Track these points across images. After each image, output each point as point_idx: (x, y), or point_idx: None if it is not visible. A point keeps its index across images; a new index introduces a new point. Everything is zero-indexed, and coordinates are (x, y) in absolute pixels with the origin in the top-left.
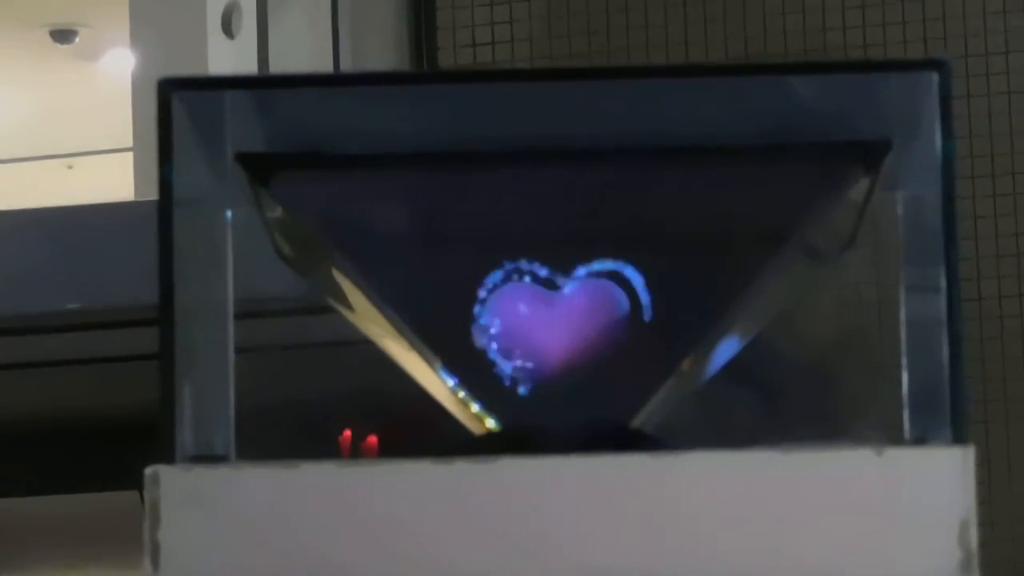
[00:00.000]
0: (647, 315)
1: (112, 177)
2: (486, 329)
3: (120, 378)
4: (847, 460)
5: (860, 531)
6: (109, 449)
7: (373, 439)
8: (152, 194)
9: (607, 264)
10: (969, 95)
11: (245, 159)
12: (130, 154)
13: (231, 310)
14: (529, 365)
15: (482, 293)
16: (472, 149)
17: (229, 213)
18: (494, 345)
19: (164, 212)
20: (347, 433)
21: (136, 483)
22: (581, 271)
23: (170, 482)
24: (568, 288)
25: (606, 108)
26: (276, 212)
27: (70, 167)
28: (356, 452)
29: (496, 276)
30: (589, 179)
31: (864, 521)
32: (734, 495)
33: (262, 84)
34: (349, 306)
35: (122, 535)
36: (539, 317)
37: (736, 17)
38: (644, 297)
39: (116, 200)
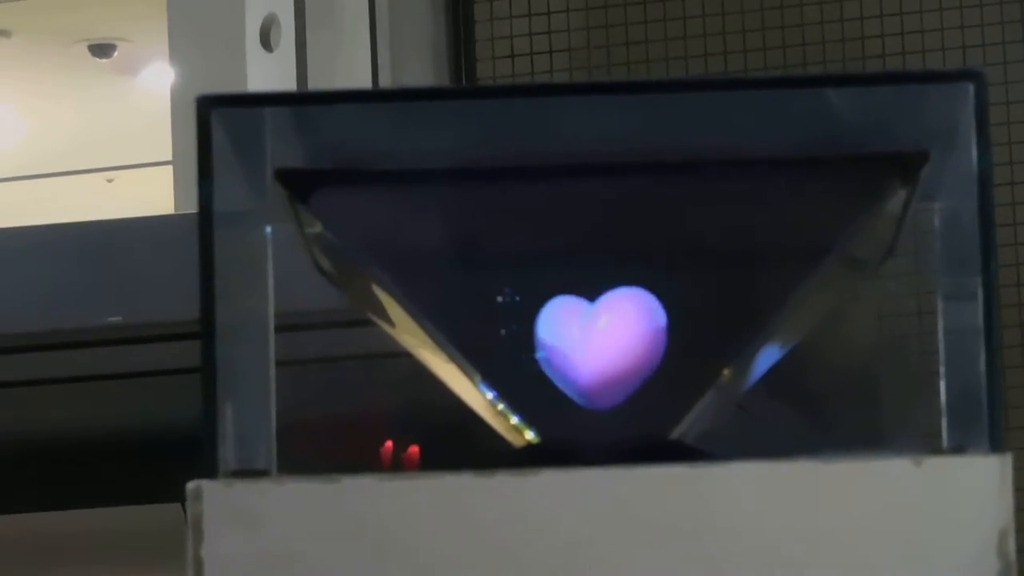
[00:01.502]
0: (687, 326)
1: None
2: (525, 341)
3: (161, 392)
4: (886, 470)
5: (899, 541)
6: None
7: (415, 450)
8: (192, 207)
9: (647, 276)
10: (1008, 101)
11: (284, 175)
12: (170, 168)
13: (272, 324)
14: (568, 377)
15: (521, 306)
16: (510, 163)
17: (269, 229)
18: (533, 357)
19: (204, 228)
20: (388, 445)
21: (178, 496)
22: (621, 283)
23: (212, 497)
24: (608, 300)
25: (644, 121)
26: (315, 227)
27: (110, 181)
28: (397, 464)
29: (535, 289)
30: (628, 192)
31: (903, 531)
32: (773, 505)
33: (301, 101)
34: (388, 320)
35: (165, 548)
36: (578, 329)
37: (775, 27)
38: (684, 308)
39: (156, 214)
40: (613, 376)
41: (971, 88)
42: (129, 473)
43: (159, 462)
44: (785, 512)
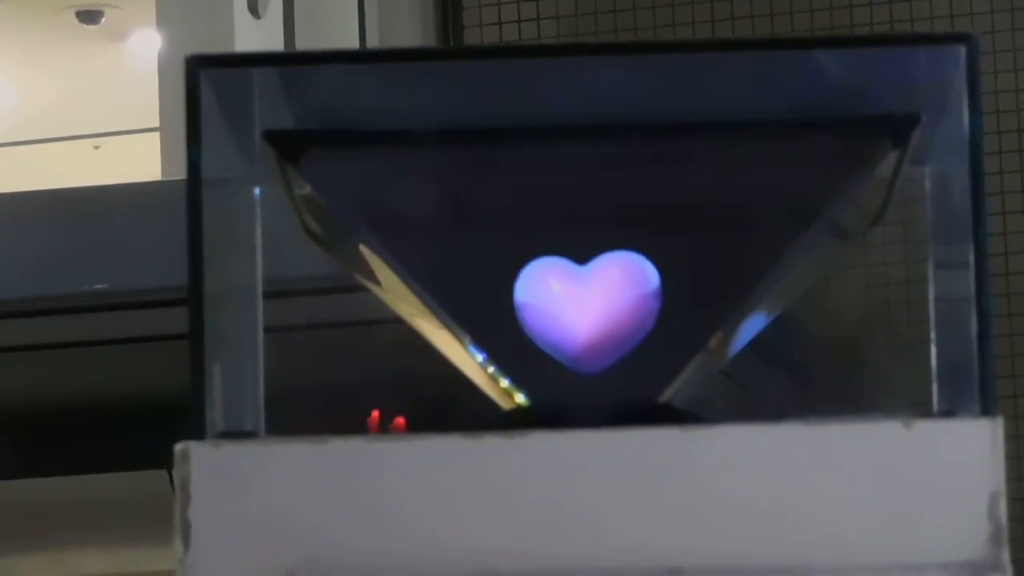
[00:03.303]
0: (675, 291)
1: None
2: (515, 304)
3: (147, 358)
4: (876, 433)
5: (889, 503)
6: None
7: (401, 421)
8: (179, 174)
9: (636, 240)
10: (996, 71)
11: (273, 137)
12: (157, 134)
13: (260, 288)
14: (559, 340)
15: (511, 268)
16: (499, 125)
17: (257, 191)
18: (523, 320)
19: (193, 191)
20: (375, 415)
21: (165, 463)
22: (610, 247)
23: (200, 459)
24: (597, 264)
25: (632, 84)
26: (304, 190)
27: (97, 148)
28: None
29: (525, 251)
30: (616, 155)
31: (893, 493)
32: (763, 468)
33: (290, 61)
34: (377, 283)
35: (151, 514)
36: (568, 292)
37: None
38: (672, 273)
39: (143, 180)
40: (604, 340)
41: (963, 51)
42: (115, 440)
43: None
44: (775, 475)
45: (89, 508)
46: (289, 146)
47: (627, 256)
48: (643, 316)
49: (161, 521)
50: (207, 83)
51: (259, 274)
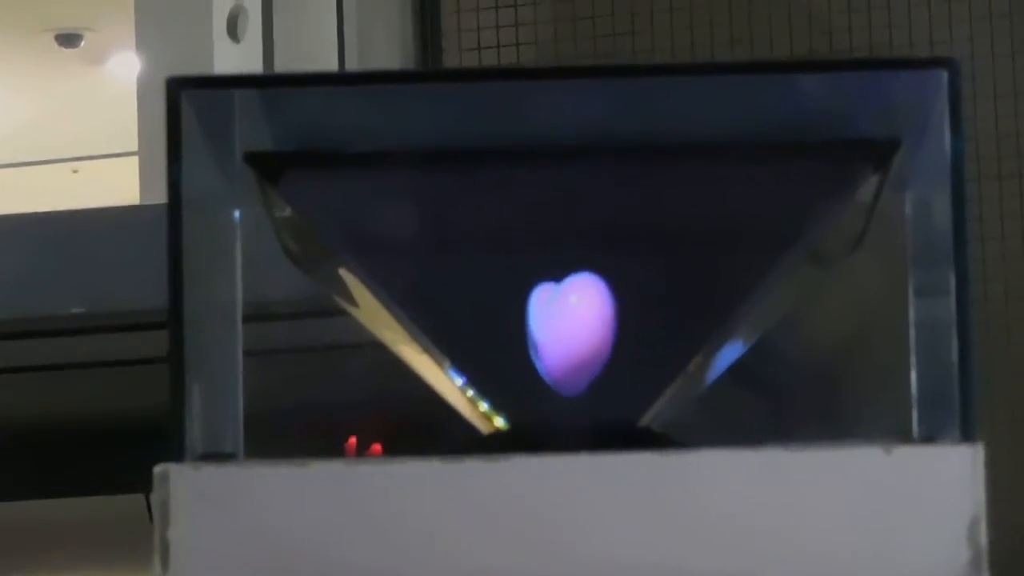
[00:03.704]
0: (653, 315)
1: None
2: (495, 327)
3: (125, 382)
4: (856, 458)
5: (869, 529)
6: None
7: (377, 448)
8: (158, 198)
9: (615, 263)
10: (976, 97)
11: (254, 158)
12: (135, 158)
13: (240, 310)
14: (538, 363)
15: (490, 291)
16: (479, 148)
17: (237, 213)
18: (503, 343)
19: (173, 212)
20: (352, 441)
21: (142, 487)
22: (589, 270)
23: (179, 480)
24: (574, 284)
25: (611, 107)
26: (285, 211)
27: (75, 171)
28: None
29: (506, 273)
30: (594, 178)
31: (873, 519)
32: (742, 493)
33: (271, 83)
34: (356, 306)
35: (128, 539)
36: (548, 315)
37: (741, 21)
38: (651, 297)
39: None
40: (586, 361)
41: (944, 75)
42: (92, 464)
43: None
44: (754, 500)
45: (64, 531)
46: (270, 167)
47: (604, 280)
48: (621, 340)
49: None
50: (188, 104)
51: (239, 296)
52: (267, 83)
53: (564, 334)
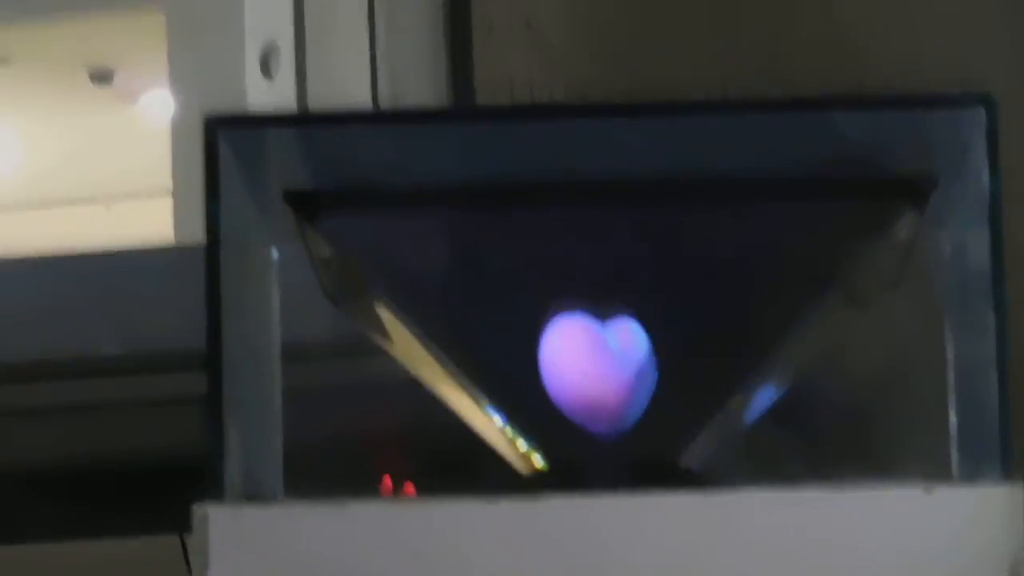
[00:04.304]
0: (691, 354)
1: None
2: (534, 366)
3: (160, 422)
4: (896, 498)
5: (910, 569)
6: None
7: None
8: (191, 237)
9: (651, 302)
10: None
11: (293, 197)
12: (168, 196)
13: (278, 350)
14: (577, 402)
15: (530, 329)
16: (515, 185)
17: (275, 252)
18: (542, 382)
19: (212, 251)
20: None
21: (177, 527)
22: (626, 310)
23: (219, 521)
24: (615, 326)
25: (645, 144)
26: (323, 249)
27: (107, 209)
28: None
29: (545, 311)
30: (632, 216)
31: (914, 559)
32: (782, 533)
33: (307, 121)
34: (394, 344)
35: None
36: (587, 355)
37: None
38: (688, 336)
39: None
40: (625, 401)
41: (982, 112)
42: (127, 505)
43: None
44: (793, 539)
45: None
46: (308, 206)
47: (642, 320)
48: (660, 380)
49: None
50: (225, 143)
51: (277, 335)
52: (304, 121)
53: (602, 375)
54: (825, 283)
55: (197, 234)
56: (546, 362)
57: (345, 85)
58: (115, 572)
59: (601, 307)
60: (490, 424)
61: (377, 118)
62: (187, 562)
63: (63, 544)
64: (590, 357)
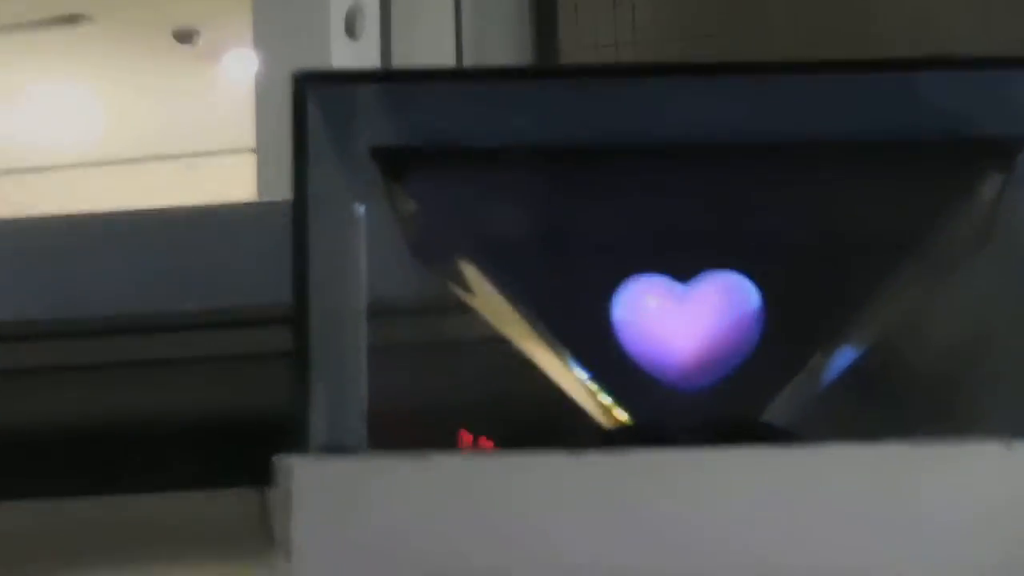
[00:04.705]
0: (776, 312)
1: (233, 178)
2: (618, 322)
3: (243, 377)
4: (976, 454)
5: (990, 524)
6: (228, 447)
7: (487, 443)
8: (275, 195)
9: (736, 260)
10: None
11: (380, 154)
12: (251, 156)
13: (364, 306)
14: (660, 357)
15: (613, 286)
16: (598, 145)
17: (362, 208)
18: (626, 338)
19: (299, 208)
20: (464, 434)
21: (255, 480)
22: (711, 267)
23: (303, 472)
24: (698, 282)
25: (729, 105)
26: (409, 207)
27: (191, 168)
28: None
29: (627, 269)
30: (715, 178)
31: (994, 514)
32: (862, 488)
33: (395, 79)
34: (480, 303)
35: (244, 532)
36: (669, 311)
37: (856, 13)
38: (773, 294)
39: (240, 200)
40: (704, 358)
41: None
42: (209, 458)
43: (238, 448)
44: (875, 495)
45: (181, 524)
46: (395, 163)
47: (726, 276)
48: (744, 336)
49: (253, 538)
50: (313, 100)
51: (364, 292)
52: (392, 79)
53: (690, 332)
54: (911, 245)
55: (279, 192)
56: (624, 320)
57: (429, 49)
58: (193, 527)
59: (684, 265)
60: (574, 380)
61: (463, 76)
62: (265, 517)
63: (142, 497)
64: (668, 315)
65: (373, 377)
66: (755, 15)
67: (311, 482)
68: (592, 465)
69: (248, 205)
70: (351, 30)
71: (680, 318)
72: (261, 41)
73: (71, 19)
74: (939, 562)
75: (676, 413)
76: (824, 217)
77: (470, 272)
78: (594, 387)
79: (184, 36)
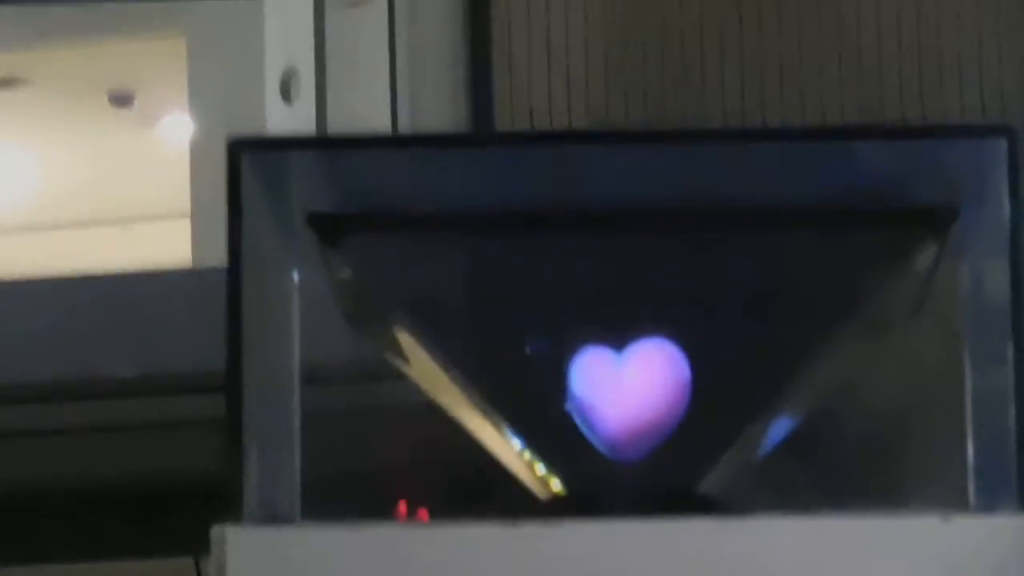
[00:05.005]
0: (710, 382)
1: (168, 242)
2: (552, 391)
3: (174, 444)
4: (914, 527)
5: None
6: (165, 516)
7: (423, 513)
8: (210, 259)
9: (671, 329)
10: None
11: (316, 219)
12: (186, 220)
13: (298, 372)
14: (596, 428)
15: (548, 355)
16: (533, 211)
17: (297, 274)
18: (561, 408)
19: (233, 272)
20: (402, 505)
21: (190, 549)
22: (643, 338)
23: (237, 542)
24: (631, 352)
25: (666, 171)
26: (345, 273)
27: (126, 231)
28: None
29: (564, 338)
30: (648, 244)
31: None
32: (799, 560)
33: (331, 144)
34: (415, 370)
35: None
36: (604, 381)
37: (793, 89)
38: (706, 365)
39: (173, 266)
40: (639, 428)
41: (1003, 144)
42: (142, 526)
43: (172, 516)
44: (810, 568)
45: None
46: (331, 229)
47: (661, 347)
48: (677, 404)
49: None
50: (248, 165)
51: (297, 358)
52: (326, 145)
53: (623, 401)
54: (844, 312)
55: (215, 257)
56: (558, 390)
57: (365, 112)
58: None
59: (621, 333)
60: (508, 448)
61: (398, 142)
62: None
63: (77, 567)
64: (602, 385)
65: (307, 444)
66: (690, 71)
67: (245, 552)
68: (526, 536)
69: (182, 271)
70: (286, 94)
71: (614, 388)
72: (196, 105)
73: (8, 82)
74: None
75: (611, 483)
76: (757, 286)
77: (405, 338)
78: (530, 457)
79: (121, 100)
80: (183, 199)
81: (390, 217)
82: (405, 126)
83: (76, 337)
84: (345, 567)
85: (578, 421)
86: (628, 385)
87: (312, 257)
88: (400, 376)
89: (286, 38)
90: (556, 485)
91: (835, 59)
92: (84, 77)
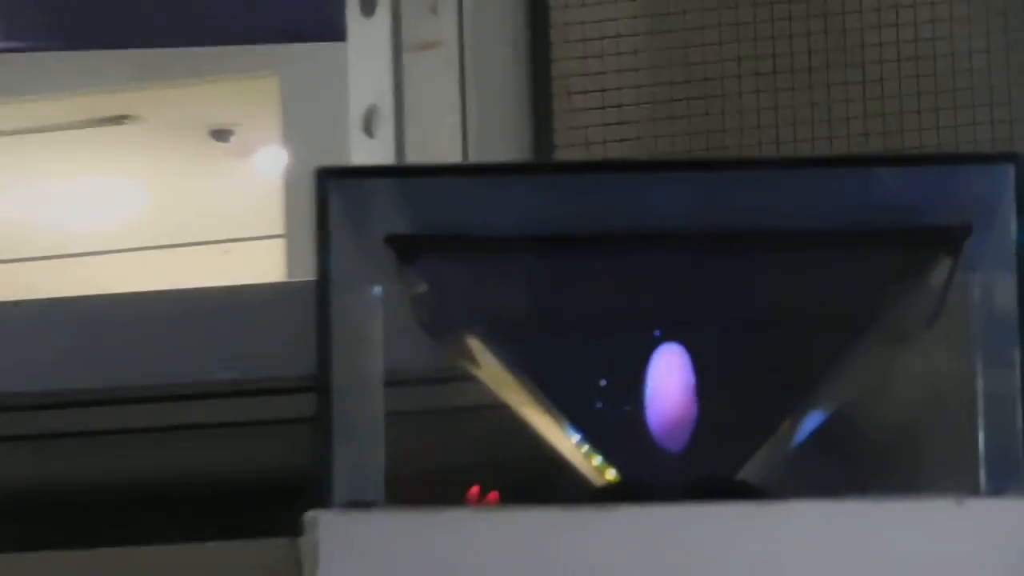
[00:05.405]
0: (750, 383)
1: (265, 261)
2: (608, 390)
3: (270, 440)
4: (931, 508)
5: (942, 573)
6: (263, 503)
7: (494, 496)
8: (301, 277)
9: (713, 338)
10: None
11: (394, 240)
12: (280, 242)
13: (381, 375)
14: (647, 421)
15: (605, 358)
16: (587, 231)
17: (378, 289)
18: (616, 404)
19: (322, 289)
20: (474, 490)
21: (287, 532)
22: (691, 341)
23: (327, 525)
24: (681, 354)
25: (705, 197)
26: (421, 289)
27: (227, 252)
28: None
29: (616, 343)
30: (691, 260)
31: (946, 563)
32: (827, 539)
33: (407, 173)
34: (484, 373)
35: None
36: (656, 380)
37: (822, 123)
38: (747, 367)
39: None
40: (682, 421)
41: (1012, 169)
42: (245, 513)
43: (269, 503)
44: (836, 546)
45: (219, 571)
46: (408, 249)
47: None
48: (720, 404)
49: None
50: (334, 192)
51: (381, 363)
52: (404, 173)
53: (670, 397)
54: (868, 323)
55: (306, 274)
56: (613, 388)
57: (438, 144)
58: (232, 572)
59: (669, 338)
60: (567, 442)
61: (467, 170)
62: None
63: (185, 546)
64: (655, 382)
65: (389, 438)
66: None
67: (334, 534)
68: (583, 519)
69: (276, 285)
70: (368, 128)
71: (664, 386)
72: (288, 139)
73: (118, 119)
74: None
75: (660, 472)
76: (790, 301)
77: (475, 345)
78: (586, 449)
79: (220, 135)
80: (276, 223)
81: (460, 238)
82: (474, 156)
83: (184, 345)
84: (423, 546)
85: (627, 415)
86: (675, 385)
87: (391, 274)
88: (470, 378)
89: (368, 78)
90: (610, 474)
91: (859, 98)
92: (188, 114)
